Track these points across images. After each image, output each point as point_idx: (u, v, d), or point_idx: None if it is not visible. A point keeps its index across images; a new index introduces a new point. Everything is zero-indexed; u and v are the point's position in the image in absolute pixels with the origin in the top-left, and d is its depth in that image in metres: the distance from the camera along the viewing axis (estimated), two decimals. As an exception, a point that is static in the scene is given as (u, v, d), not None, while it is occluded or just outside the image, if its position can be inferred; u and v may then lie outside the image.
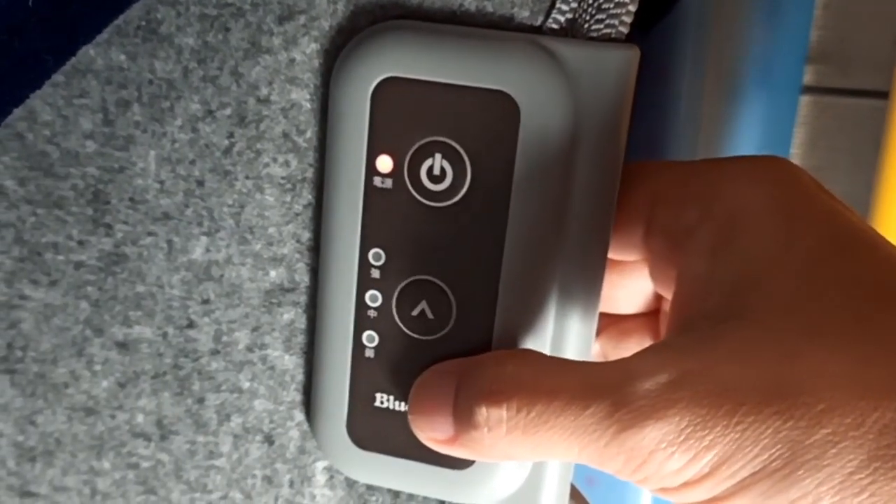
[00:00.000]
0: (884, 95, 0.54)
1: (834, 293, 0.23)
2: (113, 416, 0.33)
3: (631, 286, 0.32)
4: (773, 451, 0.21)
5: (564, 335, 0.28)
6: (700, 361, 0.23)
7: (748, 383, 0.22)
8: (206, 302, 0.31)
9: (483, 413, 0.24)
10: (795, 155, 0.59)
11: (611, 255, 0.28)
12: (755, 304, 0.23)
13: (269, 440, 0.32)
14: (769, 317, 0.23)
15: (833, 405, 0.21)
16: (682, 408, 0.22)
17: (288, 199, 0.29)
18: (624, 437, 0.22)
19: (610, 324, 0.33)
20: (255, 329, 0.31)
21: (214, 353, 0.31)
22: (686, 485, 0.23)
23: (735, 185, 0.26)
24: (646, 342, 0.32)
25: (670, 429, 0.22)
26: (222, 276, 0.31)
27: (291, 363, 0.31)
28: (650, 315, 0.33)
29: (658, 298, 0.32)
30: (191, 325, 0.31)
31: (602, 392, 0.23)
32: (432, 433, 0.26)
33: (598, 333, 0.32)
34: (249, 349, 0.31)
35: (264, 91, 0.28)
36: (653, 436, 0.22)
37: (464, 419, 0.25)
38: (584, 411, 0.23)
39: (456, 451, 0.26)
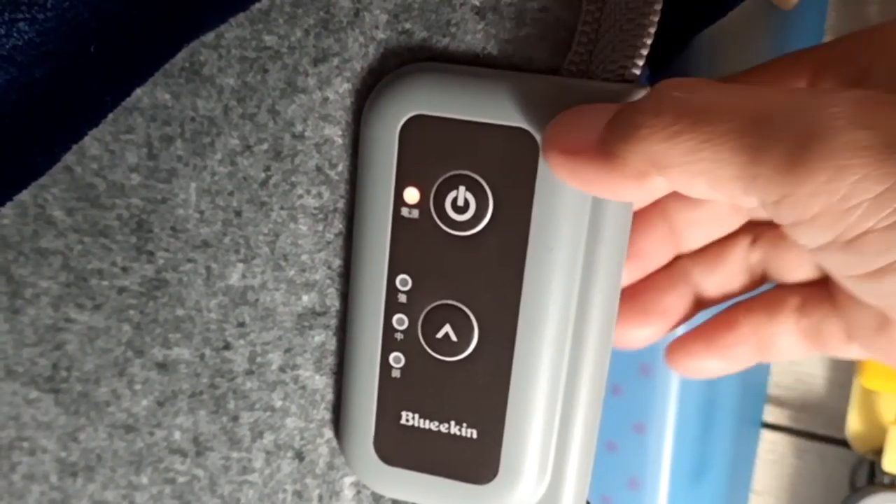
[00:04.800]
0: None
1: None
2: (151, 433, 0.34)
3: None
4: None
5: (582, 354, 0.29)
6: None
7: None
8: (241, 325, 0.33)
9: (653, 100, 0.22)
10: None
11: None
12: None
13: (299, 456, 0.33)
14: None
15: None
16: (885, 120, 0.19)
17: (320, 228, 0.31)
18: (813, 147, 0.19)
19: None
20: (287, 350, 0.32)
21: (249, 373, 0.33)
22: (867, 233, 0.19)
23: None
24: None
25: (868, 140, 0.18)
26: (257, 300, 0.32)
27: (322, 383, 0.32)
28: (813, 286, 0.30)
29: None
30: (227, 346, 0.33)
31: (792, 102, 0.20)
32: (568, 137, 0.24)
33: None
34: (282, 370, 0.33)
35: (299, 127, 0.30)
36: (846, 145, 0.19)
37: (624, 115, 0.23)
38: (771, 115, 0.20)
39: (587, 166, 0.24)
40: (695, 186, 0.22)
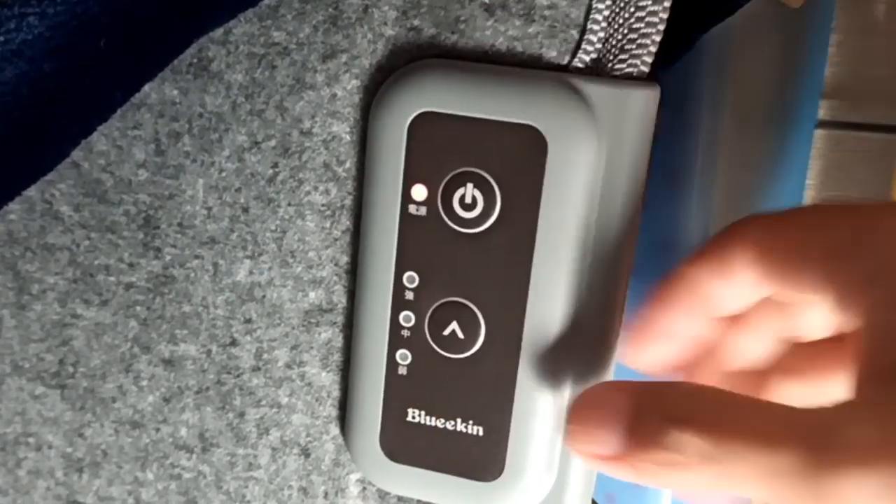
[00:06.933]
0: (895, 130, 0.55)
1: None
2: (157, 430, 0.34)
3: (814, 316, 0.31)
4: None
5: (585, 354, 0.29)
6: None
7: None
8: (248, 321, 0.33)
9: (675, 436, 0.23)
10: (811, 186, 0.60)
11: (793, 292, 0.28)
12: None
13: (305, 453, 0.33)
14: None
15: None
16: (890, 461, 0.21)
17: (327, 225, 0.31)
18: (823, 483, 0.21)
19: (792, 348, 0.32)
20: (294, 347, 0.32)
21: (255, 369, 0.33)
22: None
23: None
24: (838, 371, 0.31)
25: (876, 481, 0.21)
26: (264, 297, 0.32)
27: (328, 380, 0.33)
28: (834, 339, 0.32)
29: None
30: (233, 343, 0.33)
31: (803, 434, 0.22)
32: (594, 447, 0.25)
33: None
34: (288, 366, 0.33)
35: (307, 124, 0.30)
36: (856, 487, 0.21)
37: (645, 439, 0.24)
38: (783, 450, 0.22)
39: (618, 471, 0.25)
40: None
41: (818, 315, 0.30)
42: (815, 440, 0.22)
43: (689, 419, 0.24)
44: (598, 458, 0.25)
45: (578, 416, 0.26)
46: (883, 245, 0.25)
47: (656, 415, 0.24)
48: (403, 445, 0.31)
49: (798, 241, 0.27)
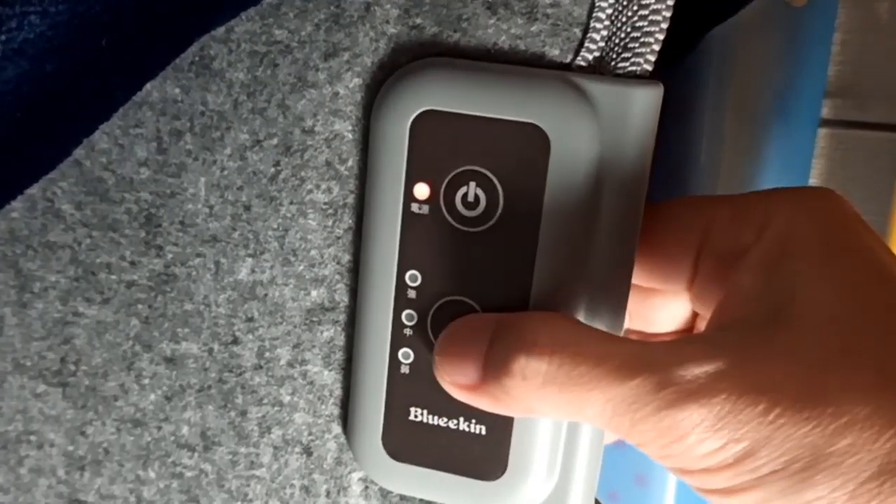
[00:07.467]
0: (899, 129, 0.56)
1: (867, 316, 0.24)
2: (159, 428, 0.34)
3: (669, 310, 0.33)
4: (798, 452, 0.22)
5: None
6: (743, 358, 0.24)
7: (785, 386, 0.23)
8: (250, 320, 0.33)
9: (521, 362, 0.25)
10: (814, 185, 0.60)
11: (656, 285, 0.30)
12: (797, 316, 0.24)
13: (307, 451, 0.33)
14: (808, 330, 0.24)
15: (855, 419, 0.22)
16: (724, 398, 0.23)
17: (330, 223, 0.31)
18: (663, 413, 0.23)
19: (645, 339, 0.35)
20: (296, 346, 0.32)
21: (257, 368, 0.33)
22: (707, 470, 0.24)
23: (788, 213, 0.27)
24: None
25: (710, 414, 0.23)
26: (266, 295, 0.32)
27: (330, 378, 0.32)
28: (682, 332, 0.35)
29: (691, 319, 0.34)
30: (235, 341, 0.33)
31: (649, 367, 0.24)
32: (456, 377, 0.27)
33: None
34: (290, 365, 0.33)
35: (309, 122, 0.30)
36: (692, 418, 0.23)
37: (496, 366, 0.26)
38: (629, 381, 0.24)
39: (477, 399, 0.27)
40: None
41: (669, 309, 0.34)
42: (659, 374, 0.24)
43: (536, 344, 0.25)
44: (459, 388, 0.27)
45: (443, 347, 0.28)
46: (756, 223, 0.28)
47: (507, 342, 0.26)
48: (406, 444, 0.31)
49: (675, 226, 0.30)
